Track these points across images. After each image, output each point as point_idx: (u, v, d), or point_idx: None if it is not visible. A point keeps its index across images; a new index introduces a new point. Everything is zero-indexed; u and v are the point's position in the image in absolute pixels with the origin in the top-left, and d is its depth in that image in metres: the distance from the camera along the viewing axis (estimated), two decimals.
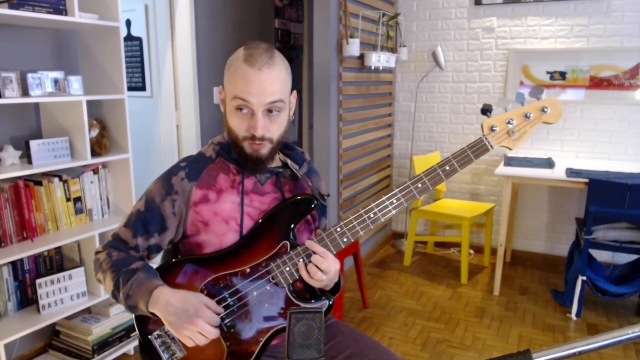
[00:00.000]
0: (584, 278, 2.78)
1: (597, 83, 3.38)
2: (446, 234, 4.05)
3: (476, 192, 3.88)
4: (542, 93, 1.15)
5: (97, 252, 1.22)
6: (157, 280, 1.13)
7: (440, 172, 1.15)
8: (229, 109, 1.15)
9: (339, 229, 1.15)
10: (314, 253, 1.13)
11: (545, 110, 1.15)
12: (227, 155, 1.22)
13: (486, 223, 3.61)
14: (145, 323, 1.18)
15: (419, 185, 1.15)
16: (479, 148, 1.15)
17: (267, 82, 1.10)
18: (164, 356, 1.16)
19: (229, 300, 1.15)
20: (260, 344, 1.16)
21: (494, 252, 3.69)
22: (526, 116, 1.15)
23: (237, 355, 1.16)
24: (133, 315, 1.20)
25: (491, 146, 1.15)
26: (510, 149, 1.17)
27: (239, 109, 1.12)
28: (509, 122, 1.15)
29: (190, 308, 1.08)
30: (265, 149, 1.15)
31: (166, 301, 1.08)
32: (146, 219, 1.18)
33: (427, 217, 3.57)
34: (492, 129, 1.15)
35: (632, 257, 3.06)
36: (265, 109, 1.12)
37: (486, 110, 1.16)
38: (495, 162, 3.78)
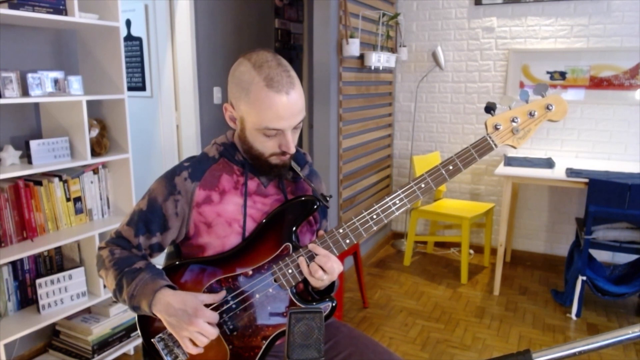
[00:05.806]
0: (584, 278, 2.78)
1: (597, 83, 3.38)
2: (446, 234, 4.05)
3: (476, 192, 3.88)
4: (546, 90, 1.12)
5: (100, 248, 1.21)
6: (162, 280, 1.12)
7: (444, 172, 1.13)
8: (254, 134, 1.13)
9: (341, 231, 1.14)
10: (317, 255, 1.12)
11: (550, 107, 1.12)
12: (231, 156, 1.21)
13: (486, 223, 3.61)
14: (149, 325, 1.18)
15: (422, 186, 1.13)
16: (483, 147, 1.13)
17: (295, 104, 1.09)
18: (167, 359, 1.15)
19: (232, 302, 1.14)
20: (264, 346, 1.15)
21: (494, 252, 3.69)
22: (530, 114, 1.12)
23: (241, 358, 1.15)
24: (133, 315, 1.19)
25: (495, 145, 1.13)
26: (514, 147, 1.14)
27: (268, 135, 1.11)
28: (513, 120, 1.12)
29: (189, 309, 1.07)
30: (289, 157, 1.17)
31: (167, 302, 1.08)
32: (148, 218, 1.17)
33: (427, 217, 3.57)
34: (496, 128, 1.13)
35: (632, 257, 3.06)
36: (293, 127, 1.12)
37: (490, 108, 1.13)
38: (495, 162, 3.78)
